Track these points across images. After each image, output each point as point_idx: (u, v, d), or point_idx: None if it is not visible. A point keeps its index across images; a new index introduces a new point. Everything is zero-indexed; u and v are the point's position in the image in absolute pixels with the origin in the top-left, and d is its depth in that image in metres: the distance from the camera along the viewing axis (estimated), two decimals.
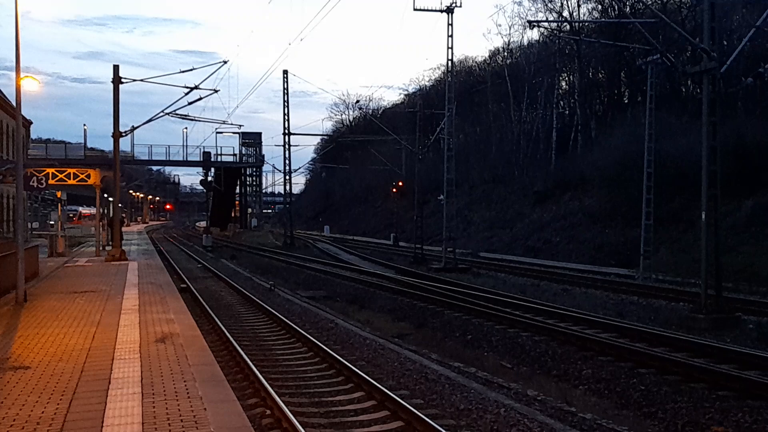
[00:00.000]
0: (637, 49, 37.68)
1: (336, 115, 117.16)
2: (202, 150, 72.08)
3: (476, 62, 78.67)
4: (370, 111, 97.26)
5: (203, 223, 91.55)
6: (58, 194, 39.69)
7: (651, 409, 10.72)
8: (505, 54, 68.90)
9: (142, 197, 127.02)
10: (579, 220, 42.34)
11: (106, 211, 47.82)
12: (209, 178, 70.90)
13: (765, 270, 25.94)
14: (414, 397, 10.54)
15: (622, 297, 23.33)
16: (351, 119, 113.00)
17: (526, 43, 65.30)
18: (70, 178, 32.25)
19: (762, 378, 11.32)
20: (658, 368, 12.55)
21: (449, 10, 35.15)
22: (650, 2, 45.26)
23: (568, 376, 12.92)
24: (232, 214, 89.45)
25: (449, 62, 36.85)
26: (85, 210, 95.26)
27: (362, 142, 72.20)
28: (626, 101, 52.87)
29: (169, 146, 72.36)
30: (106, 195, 45.13)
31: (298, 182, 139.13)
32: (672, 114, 37.61)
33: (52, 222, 66.04)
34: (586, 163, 45.31)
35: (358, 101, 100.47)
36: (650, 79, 28.94)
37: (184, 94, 30.60)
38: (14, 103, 17.08)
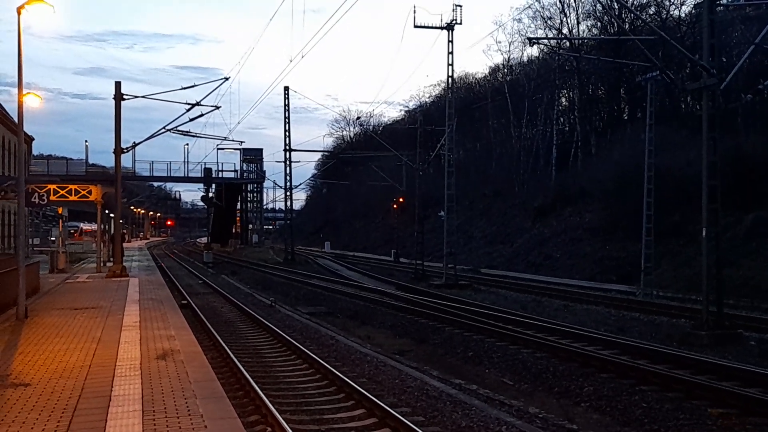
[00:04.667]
0: (636, 65, 37.85)
1: (337, 131, 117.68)
2: (203, 166, 72.24)
3: (476, 78, 79.22)
4: (371, 127, 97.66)
5: (204, 239, 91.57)
6: (60, 210, 39.78)
7: (653, 426, 10.67)
8: (506, 70, 69.23)
9: (143, 213, 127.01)
10: (579, 235, 42.35)
11: (107, 227, 47.82)
12: (210, 195, 71.05)
13: (765, 284, 25.94)
14: (415, 414, 10.51)
15: (623, 313, 23.29)
16: (352, 135, 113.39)
17: (526, 60, 65.73)
18: (71, 195, 32.32)
19: (764, 395, 11.29)
20: (660, 385, 12.51)
21: (449, 27, 35.40)
22: (649, 19, 45.53)
23: (570, 393, 12.87)
24: (233, 230, 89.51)
25: (449, 79, 37.06)
26: (86, 226, 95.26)
27: (363, 158, 72.39)
28: (626, 117, 53.08)
29: (170, 162, 72.35)
30: (107, 211, 45.11)
31: (299, 198, 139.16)
32: (671, 129, 37.72)
33: (53, 238, 66.10)
34: (586, 178, 45.43)
35: (359, 117, 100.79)
36: (650, 95, 29.10)
37: (185, 111, 30.84)
38: (16, 120, 17.16)
